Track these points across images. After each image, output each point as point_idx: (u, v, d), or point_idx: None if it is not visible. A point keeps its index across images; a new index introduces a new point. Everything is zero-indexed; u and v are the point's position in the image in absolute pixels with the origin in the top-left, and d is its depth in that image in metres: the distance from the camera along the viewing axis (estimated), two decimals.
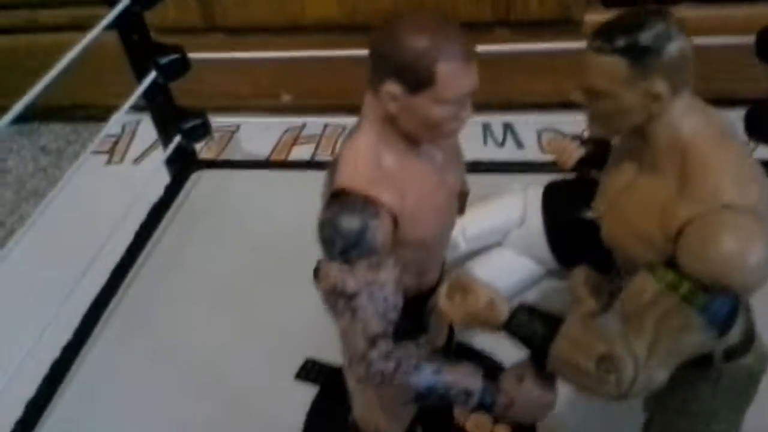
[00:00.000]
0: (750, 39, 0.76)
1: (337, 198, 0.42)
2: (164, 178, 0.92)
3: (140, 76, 0.79)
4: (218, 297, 0.78)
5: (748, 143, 0.83)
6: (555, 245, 0.74)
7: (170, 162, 0.85)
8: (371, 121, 0.43)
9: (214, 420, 0.67)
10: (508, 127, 1.05)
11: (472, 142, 1.00)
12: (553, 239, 0.73)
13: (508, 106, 1.05)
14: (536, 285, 0.76)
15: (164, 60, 0.78)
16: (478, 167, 0.88)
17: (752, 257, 0.38)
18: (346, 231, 0.41)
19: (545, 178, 0.78)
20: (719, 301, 0.40)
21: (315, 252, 0.73)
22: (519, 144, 1.04)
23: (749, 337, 0.45)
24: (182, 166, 0.86)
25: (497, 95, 1.04)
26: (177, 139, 0.82)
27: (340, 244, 0.41)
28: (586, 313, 0.56)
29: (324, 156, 1.05)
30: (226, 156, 1.05)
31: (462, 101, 0.42)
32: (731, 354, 0.44)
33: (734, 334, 0.43)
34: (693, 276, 0.40)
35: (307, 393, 0.67)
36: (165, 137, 0.83)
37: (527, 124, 1.03)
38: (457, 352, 0.62)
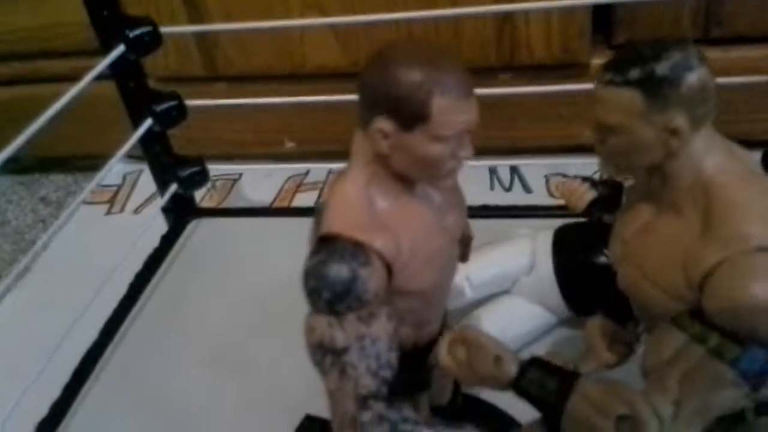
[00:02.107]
0: (765, 78, 0.72)
1: (324, 244, 0.38)
2: (162, 226, 0.89)
3: (137, 123, 0.76)
4: (214, 351, 0.74)
5: None
6: (567, 292, 0.69)
7: (167, 210, 0.82)
8: (361, 163, 0.39)
9: None
10: (515, 172, 1.02)
11: (478, 187, 0.97)
12: (565, 286, 0.69)
13: (514, 151, 1.02)
14: (548, 334, 0.71)
15: (160, 107, 0.75)
16: (485, 212, 0.84)
17: None
18: (333, 280, 0.36)
19: (555, 223, 0.74)
20: (752, 353, 0.35)
21: None
22: (526, 188, 1.00)
23: None
24: (180, 214, 0.83)
25: (503, 140, 1.01)
26: (173, 186, 0.79)
27: (327, 295, 0.37)
28: (602, 367, 0.51)
29: None
30: (228, 204, 1.02)
31: (460, 138, 0.38)
32: (765, 409, 0.39)
33: None
34: (722, 326, 0.35)
35: None
36: (162, 185, 0.80)
37: (534, 168, 1.00)
38: (464, 407, 0.56)
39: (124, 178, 1.08)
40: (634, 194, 0.43)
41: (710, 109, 0.37)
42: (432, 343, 0.44)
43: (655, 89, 0.36)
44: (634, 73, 0.36)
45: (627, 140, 0.38)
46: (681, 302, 0.37)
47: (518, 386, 0.39)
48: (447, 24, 0.89)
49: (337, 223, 0.38)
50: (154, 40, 0.74)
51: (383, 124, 0.37)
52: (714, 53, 0.93)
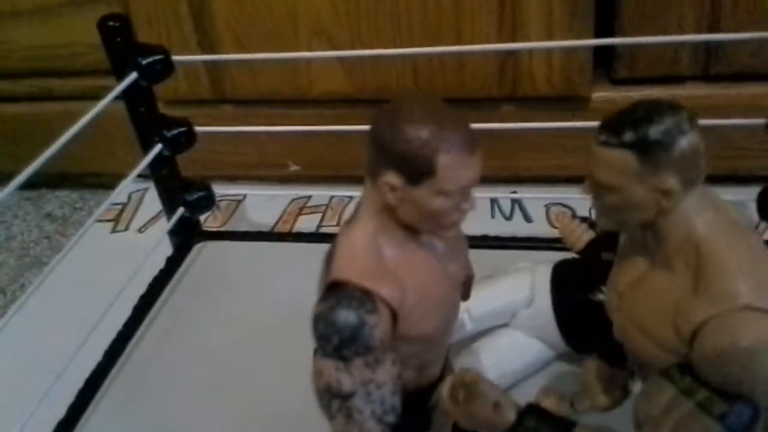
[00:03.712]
0: (761, 121, 0.74)
1: (333, 291, 0.40)
2: (167, 247, 0.91)
3: (146, 147, 0.78)
4: (217, 376, 0.75)
5: (759, 224, 0.81)
6: (564, 327, 0.71)
7: (173, 233, 0.84)
8: (370, 212, 0.41)
9: None
10: (515, 201, 1.04)
11: (479, 216, 0.99)
12: (563, 321, 0.70)
13: (515, 180, 1.04)
14: (545, 368, 0.72)
15: (170, 133, 0.77)
16: (485, 242, 0.86)
17: None
18: (342, 326, 0.38)
19: (554, 255, 0.76)
20: (738, 408, 0.37)
21: None
22: (527, 218, 1.02)
23: None
24: (185, 236, 0.85)
25: (504, 170, 1.03)
26: (180, 210, 0.81)
27: (336, 341, 0.39)
28: (600, 409, 0.53)
29: (329, 226, 1.03)
30: (231, 225, 1.04)
31: (464, 192, 0.40)
32: None
33: None
34: (710, 381, 0.37)
35: None
36: (169, 208, 0.82)
37: (535, 198, 1.02)
38: None
39: (129, 197, 1.10)
40: (629, 245, 0.45)
41: (701, 171, 0.39)
42: (433, 385, 0.46)
43: (649, 152, 0.38)
44: (629, 136, 0.38)
45: (621, 198, 0.40)
46: (672, 355, 0.39)
47: None
48: (451, 57, 0.91)
49: (345, 270, 0.40)
50: (166, 68, 0.76)
51: (391, 178, 0.39)
52: (712, 90, 0.95)
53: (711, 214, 0.40)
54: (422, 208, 0.40)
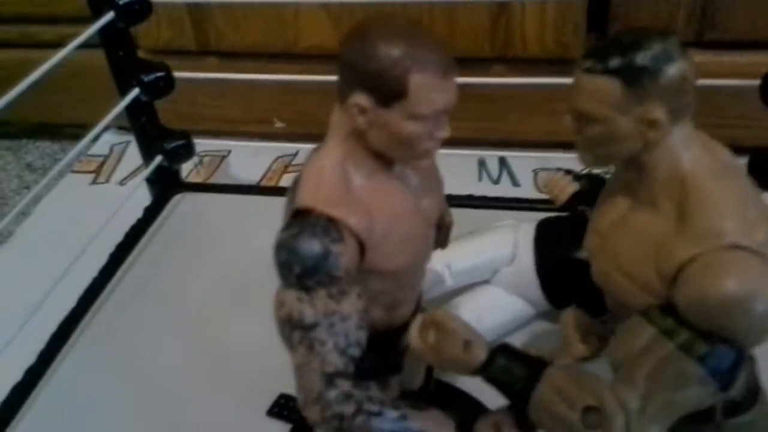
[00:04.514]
0: (755, 83, 0.72)
1: (297, 218, 0.37)
2: (147, 199, 0.88)
3: (124, 92, 0.75)
4: (192, 327, 0.73)
5: None
6: (546, 285, 0.69)
7: (151, 182, 0.81)
8: (338, 137, 0.38)
9: None
10: (503, 165, 1.02)
11: (466, 178, 0.97)
12: (545, 278, 0.69)
13: (504, 144, 1.02)
14: (526, 326, 0.71)
15: (148, 77, 0.74)
16: (470, 201, 0.84)
17: (759, 303, 0.34)
18: (304, 255, 0.36)
19: (539, 216, 0.74)
20: (721, 351, 0.35)
21: None
22: (515, 182, 1.00)
23: (753, 392, 0.40)
24: (164, 187, 0.82)
25: (493, 132, 1.01)
26: (158, 158, 0.78)
27: (298, 269, 0.36)
28: (575, 359, 0.51)
29: None
30: (215, 180, 1.02)
31: (437, 118, 0.37)
32: (733, 410, 0.39)
33: (737, 388, 0.38)
34: (692, 322, 0.35)
35: (280, 429, 0.63)
36: (147, 156, 0.79)
37: (523, 162, 0.99)
38: (436, 393, 0.56)
39: (111, 149, 1.07)
40: (612, 186, 0.42)
41: (689, 102, 0.37)
42: (405, 326, 0.44)
43: (635, 79, 0.36)
44: (614, 62, 0.36)
45: (604, 130, 0.37)
46: (653, 295, 0.37)
47: (486, 372, 0.39)
48: (442, 11, 0.88)
49: (311, 197, 0.37)
50: (144, 8, 0.73)
51: (360, 98, 0.36)
52: (707, 57, 0.93)
53: (699, 150, 0.37)
54: (393, 133, 0.37)
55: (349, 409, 0.37)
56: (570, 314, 0.52)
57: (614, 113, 0.36)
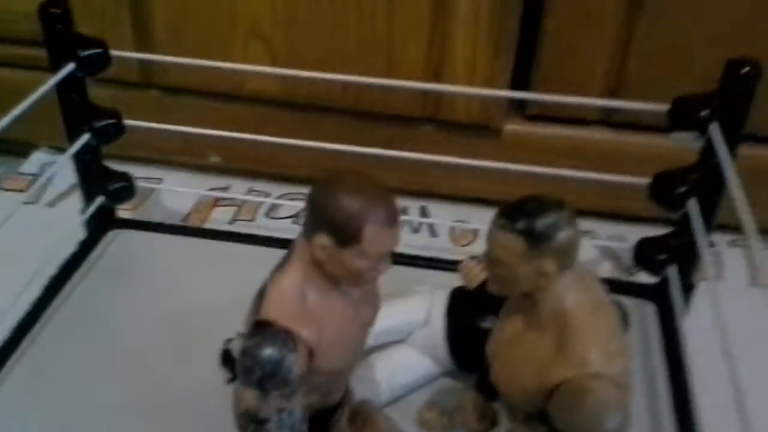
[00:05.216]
0: (645, 181, 0.86)
1: (261, 329, 0.48)
2: (77, 225, 0.93)
3: (72, 132, 0.82)
4: (117, 364, 0.79)
5: (631, 267, 0.95)
6: (454, 348, 0.81)
7: (88, 218, 0.88)
8: (300, 262, 0.50)
9: None
10: (424, 215, 1.14)
11: None
12: (453, 343, 0.80)
13: (426, 195, 1.14)
14: (432, 383, 0.82)
15: (99, 124, 0.81)
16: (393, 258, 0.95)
17: (610, 422, 0.47)
18: (265, 362, 0.47)
19: (453, 277, 0.85)
20: None
21: (224, 329, 0.77)
22: (433, 233, 1.12)
23: None
24: (99, 223, 0.89)
25: (416, 185, 1.13)
26: (100, 199, 0.85)
27: (258, 374, 0.47)
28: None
29: (244, 221, 1.10)
30: (145, 209, 1.08)
31: (383, 256, 0.49)
32: None
33: None
34: (560, 430, 0.48)
35: None
36: (88, 196, 0.86)
37: (442, 215, 1.12)
38: None
39: (42, 168, 1.12)
40: (511, 305, 0.55)
41: (574, 258, 0.50)
42: (334, 409, 0.56)
43: (534, 240, 0.48)
44: (520, 225, 0.49)
45: (508, 272, 0.50)
46: (535, 403, 0.50)
47: None
48: (381, 75, 0.99)
49: (273, 311, 0.48)
50: (104, 61, 0.80)
51: (323, 240, 0.48)
52: (612, 136, 1.08)
53: (578, 293, 0.51)
54: (346, 267, 0.48)
55: None
56: (470, 394, 0.65)
57: (517, 262, 0.49)
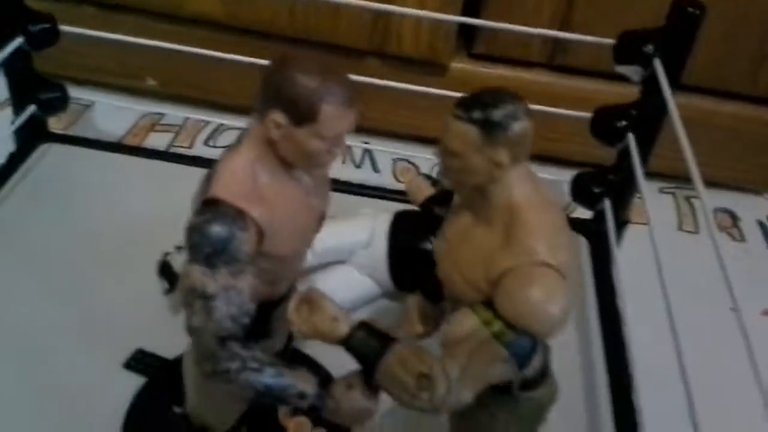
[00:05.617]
0: (587, 115, 0.89)
1: (210, 206, 0.47)
2: (6, 138, 0.90)
3: (4, 36, 0.78)
4: (51, 279, 0.78)
5: (569, 204, 0.97)
6: (394, 270, 0.82)
7: (19, 130, 0.84)
8: (252, 141, 0.49)
9: (34, 404, 0.67)
10: (366, 151, 1.14)
11: None
12: (394, 264, 0.82)
13: (368, 131, 1.14)
14: (372, 303, 0.84)
15: (34, 28, 0.78)
16: (335, 186, 0.95)
17: (553, 308, 0.48)
18: (214, 238, 0.46)
19: (396, 206, 0.86)
20: (523, 340, 0.50)
21: (158, 245, 0.76)
22: (375, 168, 1.12)
23: (544, 373, 0.55)
24: (31, 135, 0.85)
25: (359, 120, 1.12)
26: (31, 108, 0.82)
27: (207, 250, 0.46)
28: (415, 336, 0.65)
29: (181, 147, 1.07)
30: (76, 129, 1.04)
31: (338, 138, 0.49)
32: (528, 385, 0.54)
33: (532, 368, 0.52)
34: (504, 317, 0.49)
35: (134, 383, 0.70)
36: (18, 104, 0.82)
37: (384, 151, 1.12)
38: (291, 357, 0.68)
39: None
40: (461, 203, 0.56)
41: (527, 150, 0.51)
42: (280, 300, 0.55)
43: (489, 130, 0.49)
44: (476, 114, 0.49)
45: (462, 164, 0.50)
46: (480, 294, 0.51)
47: (347, 343, 0.51)
48: (328, 6, 0.98)
49: (223, 190, 0.47)
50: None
51: (278, 117, 0.47)
52: (555, 79, 1.10)
53: (529, 187, 0.52)
54: (300, 147, 0.48)
55: (236, 365, 0.48)
56: (415, 299, 0.66)
57: (471, 152, 0.50)
